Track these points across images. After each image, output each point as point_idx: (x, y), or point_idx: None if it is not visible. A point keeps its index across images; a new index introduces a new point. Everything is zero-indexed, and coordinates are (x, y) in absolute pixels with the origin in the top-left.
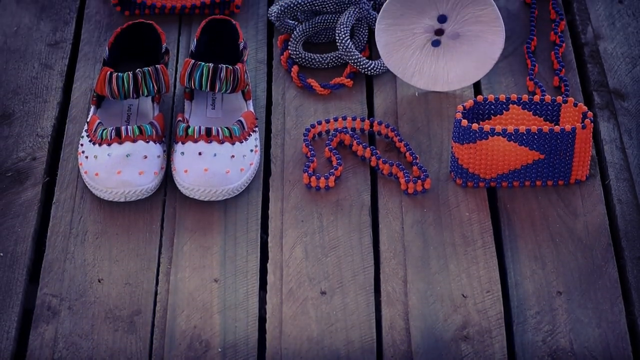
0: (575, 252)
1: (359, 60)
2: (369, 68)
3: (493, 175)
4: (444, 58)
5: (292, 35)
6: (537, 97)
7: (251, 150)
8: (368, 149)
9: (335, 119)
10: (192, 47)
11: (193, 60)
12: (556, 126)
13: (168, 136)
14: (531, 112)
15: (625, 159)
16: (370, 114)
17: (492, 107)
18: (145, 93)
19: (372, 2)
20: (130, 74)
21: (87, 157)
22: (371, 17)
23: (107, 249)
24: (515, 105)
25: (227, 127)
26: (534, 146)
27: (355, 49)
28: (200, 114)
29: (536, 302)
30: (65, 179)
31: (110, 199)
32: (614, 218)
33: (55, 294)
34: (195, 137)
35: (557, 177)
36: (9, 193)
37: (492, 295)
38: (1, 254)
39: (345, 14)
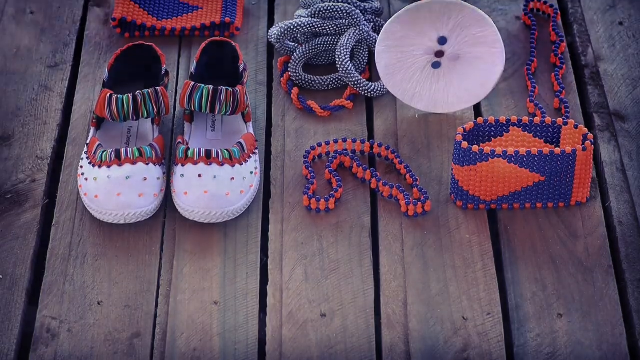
0: (575, 274)
1: (359, 82)
2: (369, 90)
3: (493, 197)
4: (444, 80)
5: (292, 57)
6: (537, 119)
7: (251, 173)
8: (368, 171)
9: (336, 141)
10: (192, 69)
11: (193, 82)
12: (556, 148)
13: (168, 158)
14: (531, 134)
15: (625, 181)
16: (371, 136)
17: (493, 129)
18: (145, 115)
19: (372, 24)
20: (130, 96)
21: (86, 179)
22: (371, 39)
23: (107, 271)
24: (515, 127)
25: (227, 149)
26: (535, 168)
27: (356, 70)
28: (200, 136)
29: (537, 325)
30: (65, 201)
31: (109, 221)
32: (615, 240)
33: (54, 317)
34: (195, 159)
35: (557, 199)
36: (8, 215)
37: (492, 318)
38: (0, 276)
39: (346, 36)
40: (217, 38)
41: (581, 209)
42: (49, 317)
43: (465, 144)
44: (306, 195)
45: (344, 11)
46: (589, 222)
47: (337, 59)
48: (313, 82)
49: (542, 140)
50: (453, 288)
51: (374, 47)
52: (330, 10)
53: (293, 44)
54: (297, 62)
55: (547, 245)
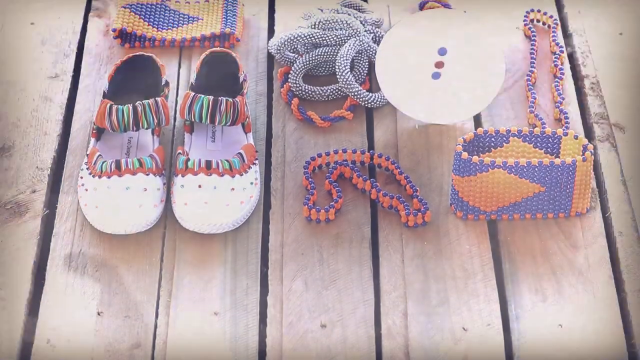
0: (576, 284)
1: (359, 92)
2: (369, 100)
3: (493, 208)
4: (444, 90)
5: (292, 68)
6: (537, 130)
7: (251, 183)
8: (368, 181)
9: (336, 152)
10: (192, 79)
11: (193, 93)
12: (557, 159)
13: (168, 169)
14: (532, 145)
15: (626, 192)
16: (371, 146)
17: (493, 139)
18: (145, 126)
19: (372, 34)
20: (130, 106)
21: (86, 190)
22: (371, 49)
23: (107, 282)
24: (515, 137)
25: (227, 160)
26: (535, 179)
27: (356, 81)
28: (200, 146)
29: (537, 335)
30: (65, 212)
31: (109, 232)
32: (615, 250)
33: (54, 327)
34: (195, 169)
35: (557, 209)
36: (8, 225)
37: (492, 329)
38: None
39: (346, 47)
40: (217, 49)
41: (581, 219)
42: (49, 327)
43: (465, 155)
44: (306, 206)
45: (344, 22)
46: (589, 232)
47: (337, 70)
48: (313, 93)
49: (542, 151)
50: (453, 299)
51: (374, 57)
52: (330, 21)
53: (293, 54)
54: (297, 72)
55: (547, 255)
